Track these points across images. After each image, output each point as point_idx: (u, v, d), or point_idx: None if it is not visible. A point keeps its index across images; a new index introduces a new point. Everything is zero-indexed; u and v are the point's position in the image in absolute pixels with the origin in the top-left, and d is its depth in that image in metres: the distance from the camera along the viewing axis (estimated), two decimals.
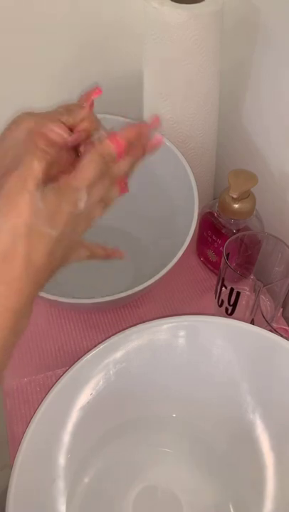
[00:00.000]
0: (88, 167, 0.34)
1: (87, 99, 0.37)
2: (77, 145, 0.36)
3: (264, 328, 0.46)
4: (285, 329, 0.58)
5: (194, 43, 0.51)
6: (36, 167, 0.31)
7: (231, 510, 0.46)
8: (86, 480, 0.47)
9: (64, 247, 0.33)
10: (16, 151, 0.32)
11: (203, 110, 0.59)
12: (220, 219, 0.59)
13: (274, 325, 0.52)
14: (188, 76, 0.54)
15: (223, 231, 0.58)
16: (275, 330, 0.47)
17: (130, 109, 0.61)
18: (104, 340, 0.46)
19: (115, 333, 0.46)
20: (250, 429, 0.47)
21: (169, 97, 0.57)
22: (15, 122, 0.34)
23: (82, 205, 0.33)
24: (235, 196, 0.53)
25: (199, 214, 0.55)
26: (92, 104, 0.37)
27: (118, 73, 0.66)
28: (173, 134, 0.59)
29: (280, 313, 0.59)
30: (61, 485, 0.44)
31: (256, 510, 0.45)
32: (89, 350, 0.45)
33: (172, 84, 0.56)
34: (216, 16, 0.51)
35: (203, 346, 0.48)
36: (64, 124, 0.35)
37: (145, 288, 0.50)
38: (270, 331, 0.46)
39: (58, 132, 0.34)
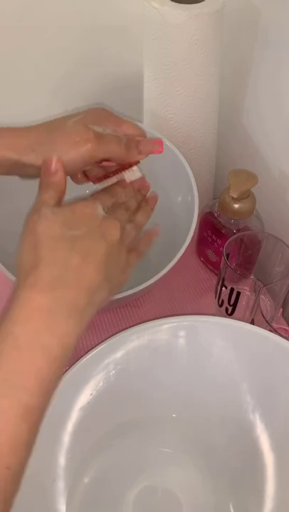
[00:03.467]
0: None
1: (146, 148, 0.41)
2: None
3: (264, 328, 0.46)
4: (285, 329, 0.58)
5: (194, 43, 0.51)
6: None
7: (231, 510, 0.46)
8: (86, 480, 0.47)
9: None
10: None
11: (204, 110, 0.58)
12: (220, 219, 0.59)
13: (274, 325, 0.52)
14: (188, 76, 0.54)
15: (223, 231, 0.58)
16: (275, 330, 0.47)
17: (130, 109, 0.61)
18: (105, 340, 0.46)
19: (115, 333, 0.46)
20: (250, 429, 0.47)
21: (169, 97, 0.57)
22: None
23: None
24: (235, 196, 0.53)
25: (199, 214, 0.55)
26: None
27: (118, 73, 0.66)
28: (173, 134, 0.59)
29: (280, 313, 0.59)
30: (61, 485, 0.44)
31: (256, 510, 0.45)
32: (89, 350, 0.45)
33: (172, 85, 0.55)
34: (216, 15, 0.51)
35: (203, 346, 0.48)
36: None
37: (145, 288, 0.50)
38: (270, 331, 0.46)
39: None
